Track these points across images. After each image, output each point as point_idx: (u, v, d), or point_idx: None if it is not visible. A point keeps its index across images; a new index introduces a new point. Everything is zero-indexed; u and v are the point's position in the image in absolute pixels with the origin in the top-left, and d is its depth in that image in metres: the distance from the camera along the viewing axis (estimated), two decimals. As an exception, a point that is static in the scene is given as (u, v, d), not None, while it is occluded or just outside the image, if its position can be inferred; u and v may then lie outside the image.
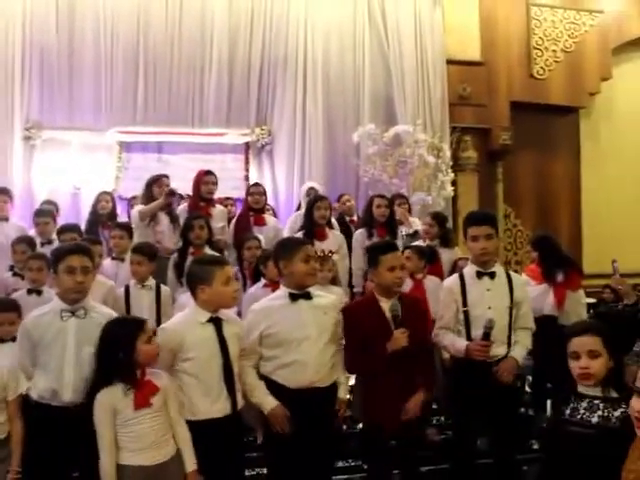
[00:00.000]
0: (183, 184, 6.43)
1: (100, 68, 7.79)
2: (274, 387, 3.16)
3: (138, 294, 4.57)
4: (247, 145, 8.14)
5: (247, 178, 7.99)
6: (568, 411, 2.49)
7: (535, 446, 4.44)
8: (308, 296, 3.22)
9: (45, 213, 5.86)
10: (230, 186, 7.55)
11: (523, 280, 3.98)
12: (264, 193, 6.15)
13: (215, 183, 5.89)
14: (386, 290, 3.37)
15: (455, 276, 3.74)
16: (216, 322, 3.04)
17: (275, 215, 6.90)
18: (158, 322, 4.10)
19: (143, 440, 2.73)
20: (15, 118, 7.58)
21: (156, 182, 5.84)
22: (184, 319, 3.10)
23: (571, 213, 9.58)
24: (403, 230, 6.23)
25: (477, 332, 3.45)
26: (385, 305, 3.34)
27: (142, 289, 4.59)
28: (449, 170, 7.97)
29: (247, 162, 8.16)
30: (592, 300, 7.13)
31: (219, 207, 6.06)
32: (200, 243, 5.04)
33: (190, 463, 2.83)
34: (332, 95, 8.38)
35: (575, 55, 9.41)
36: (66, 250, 3.09)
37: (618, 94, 9.79)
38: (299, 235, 5.37)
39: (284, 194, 8.16)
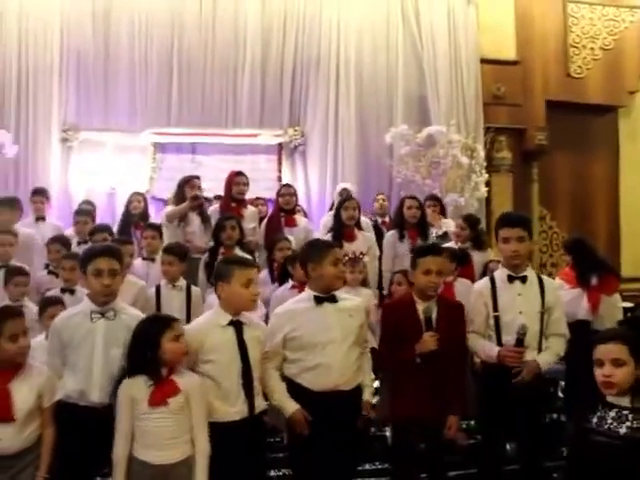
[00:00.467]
0: (216, 185, 6.51)
1: (135, 71, 7.92)
2: (298, 390, 3.15)
3: (169, 294, 4.62)
4: (280, 146, 8.16)
5: (280, 179, 8.01)
6: (595, 420, 2.44)
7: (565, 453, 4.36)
8: (333, 299, 3.21)
9: (84, 213, 6.00)
10: (263, 187, 7.58)
11: (555, 284, 3.89)
12: (295, 194, 6.17)
13: (246, 184, 5.92)
14: (421, 292, 3.36)
15: (485, 280, 3.68)
16: (237, 325, 3.03)
17: (306, 216, 6.90)
18: (188, 322, 4.11)
19: (149, 437, 2.75)
20: (53, 120, 7.74)
21: (187, 183, 5.88)
22: (206, 321, 3.12)
23: (609, 215, 9.36)
24: (434, 232, 6.19)
25: (507, 338, 3.39)
26: (420, 307, 3.33)
27: (173, 289, 4.64)
28: (483, 171, 7.86)
29: (280, 163, 8.18)
30: (630, 304, 6.95)
31: (250, 208, 6.09)
32: (231, 244, 5.07)
33: (200, 476, 2.79)
34: (365, 96, 8.35)
35: (614, 53, 9.18)
36: (94, 252, 3.13)
37: (659, 92, 9.54)
38: (328, 237, 5.37)
39: (317, 195, 8.17)
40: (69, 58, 7.80)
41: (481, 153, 7.96)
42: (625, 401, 2.39)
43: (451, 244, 5.71)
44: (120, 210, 6.88)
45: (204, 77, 8.05)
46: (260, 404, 3.06)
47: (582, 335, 4.17)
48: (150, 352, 2.78)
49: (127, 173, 7.79)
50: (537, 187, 8.97)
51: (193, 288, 4.70)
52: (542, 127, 8.74)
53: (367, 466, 4.17)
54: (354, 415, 3.22)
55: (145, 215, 6.47)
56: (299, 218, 6.19)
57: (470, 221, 5.81)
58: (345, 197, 5.81)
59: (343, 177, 8.03)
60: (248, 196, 6.29)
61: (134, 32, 7.91)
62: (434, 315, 3.30)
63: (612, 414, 2.40)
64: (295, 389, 3.16)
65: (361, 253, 4.87)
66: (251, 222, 5.84)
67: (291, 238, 5.40)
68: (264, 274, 5.09)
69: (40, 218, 6.25)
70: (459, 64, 8.42)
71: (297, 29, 8.21)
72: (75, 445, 2.89)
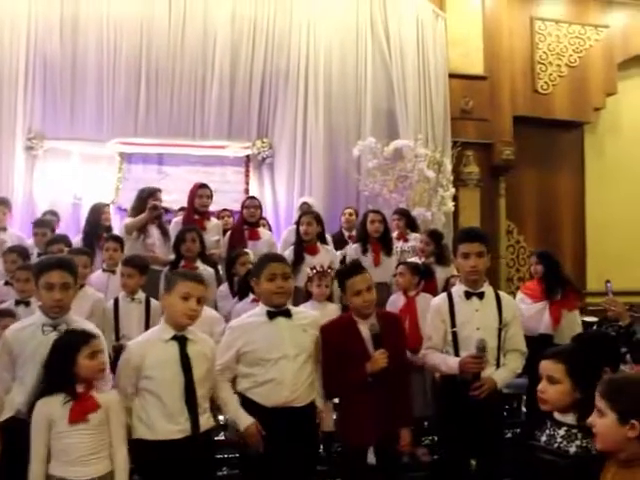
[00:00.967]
0: (182, 196, 6.43)
1: (102, 79, 7.80)
2: (250, 405, 3.12)
3: (127, 307, 4.55)
4: (248, 158, 8.11)
5: (247, 191, 7.95)
6: (544, 438, 2.43)
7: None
8: (287, 313, 3.19)
9: (44, 224, 5.89)
10: (230, 199, 7.54)
11: (513, 300, 3.91)
12: (259, 206, 6.14)
13: (210, 196, 5.87)
14: (359, 312, 3.33)
15: (443, 295, 3.67)
16: (180, 340, 2.97)
17: (270, 229, 6.86)
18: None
19: (70, 453, 2.70)
20: (17, 127, 7.58)
21: (151, 195, 5.79)
22: (149, 336, 3.07)
23: (575, 229, 9.47)
24: (399, 246, 6.19)
25: (465, 353, 3.38)
26: (362, 326, 3.30)
27: (132, 302, 4.57)
28: (450, 185, 7.89)
29: (247, 175, 8.14)
30: (595, 318, 7.02)
31: (214, 220, 6.04)
32: (191, 256, 5.01)
33: None
34: (333, 109, 8.34)
35: (580, 70, 9.33)
36: (46, 265, 3.07)
37: (623, 109, 9.70)
38: (289, 251, 5.35)
39: (284, 208, 8.12)
40: (36, 65, 7.65)
41: (448, 167, 7.99)
42: (570, 418, 2.39)
43: (415, 259, 5.73)
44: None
45: (172, 87, 7.97)
46: (206, 422, 2.99)
47: (544, 349, 4.19)
48: (66, 368, 2.73)
49: (93, 183, 7.68)
50: (504, 201, 9.03)
51: (152, 301, 4.62)
52: (509, 142, 8.81)
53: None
54: (308, 431, 3.19)
55: (109, 226, 6.37)
56: (263, 231, 6.15)
57: (434, 236, 5.83)
58: (302, 212, 5.78)
59: (310, 190, 8.02)
60: (215, 208, 6.22)
61: (102, 40, 7.80)
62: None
63: (561, 432, 2.39)
64: (247, 405, 3.13)
65: (329, 267, 4.81)
66: (215, 234, 5.80)
67: (249, 252, 5.31)
68: (224, 288, 5.03)
69: (1, 228, 6.13)
70: (427, 78, 8.46)
71: (266, 41, 8.18)
72: (24, 461, 2.78)
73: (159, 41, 7.94)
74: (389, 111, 8.41)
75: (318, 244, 5.49)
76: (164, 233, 5.62)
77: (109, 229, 6.27)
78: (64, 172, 7.64)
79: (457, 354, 3.44)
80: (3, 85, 7.57)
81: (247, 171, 8.14)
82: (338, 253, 5.83)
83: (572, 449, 2.34)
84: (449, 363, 3.43)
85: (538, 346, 3.88)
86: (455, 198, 8.04)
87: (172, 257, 5.18)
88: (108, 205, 6.61)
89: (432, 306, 3.68)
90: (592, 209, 9.53)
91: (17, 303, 4.32)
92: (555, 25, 9.30)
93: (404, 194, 7.65)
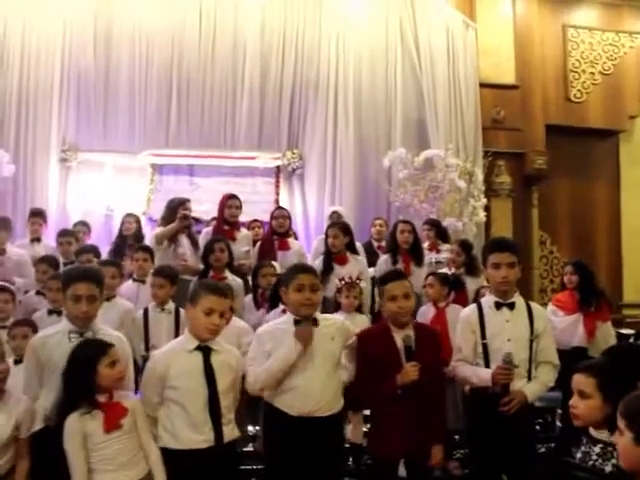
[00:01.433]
0: (213, 207, 6.45)
1: (134, 92, 7.94)
2: (275, 414, 3.10)
3: (157, 317, 4.56)
4: (278, 169, 8.14)
5: (278, 202, 7.96)
6: (579, 455, 2.35)
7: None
8: (314, 322, 3.15)
9: (68, 233, 5.96)
10: (261, 209, 7.53)
11: (544, 311, 3.82)
12: (288, 217, 6.12)
13: (239, 207, 5.86)
14: (394, 320, 3.28)
15: (473, 306, 3.60)
16: (205, 350, 2.95)
17: (297, 239, 6.82)
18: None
19: (114, 462, 2.72)
20: (52, 140, 7.74)
21: (181, 205, 5.83)
22: (174, 346, 3.05)
23: (610, 240, 9.28)
24: (433, 257, 6.12)
25: (495, 365, 3.31)
26: (397, 335, 3.24)
27: (161, 312, 4.57)
28: (481, 195, 7.80)
29: (278, 186, 8.16)
30: (631, 331, 6.87)
31: (244, 231, 6.03)
32: (220, 266, 4.99)
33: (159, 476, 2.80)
34: (363, 119, 8.33)
35: (614, 77, 9.19)
36: (73, 277, 3.08)
37: (660, 117, 9.51)
38: (319, 260, 5.32)
39: (315, 218, 8.12)
40: (70, 79, 7.82)
41: (479, 177, 7.91)
42: (606, 435, 2.30)
43: (446, 270, 5.66)
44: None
45: (203, 99, 8.07)
46: (230, 433, 2.97)
47: (578, 362, 4.10)
48: (87, 378, 2.75)
49: (125, 194, 7.78)
50: (537, 211, 8.90)
51: (182, 311, 4.61)
52: (542, 151, 8.70)
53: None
54: (333, 441, 3.16)
55: (139, 236, 6.43)
56: (292, 241, 6.14)
57: (464, 246, 5.76)
58: (330, 222, 5.74)
59: (341, 200, 8.01)
60: (245, 218, 6.21)
61: (134, 54, 7.94)
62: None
63: (597, 450, 2.31)
64: (272, 414, 3.11)
65: (358, 278, 4.77)
66: (245, 245, 5.77)
67: (275, 264, 5.27)
68: (248, 299, 5.01)
69: (35, 239, 6.23)
70: (458, 88, 8.42)
71: (296, 52, 8.23)
72: (53, 472, 2.80)
73: (190, 54, 8.05)
74: (419, 121, 8.38)
75: (347, 254, 5.44)
76: (194, 243, 5.63)
77: (140, 239, 6.34)
78: (97, 183, 7.78)
79: (488, 366, 3.36)
80: (38, 98, 7.74)
81: (277, 182, 8.16)
82: (371, 270, 5.78)
83: (608, 468, 2.25)
84: (481, 375, 3.35)
85: (572, 359, 3.80)
86: (487, 208, 7.95)
87: (201, 267, 5.19)
88: (130, 215, 6.72)
89: (462, 317, 3.61)
90: (628, 219, 9.34)
91: (50, 312, 4.38)
92: (588, 32, 9.18)
93: (435, 204, 7.59)
